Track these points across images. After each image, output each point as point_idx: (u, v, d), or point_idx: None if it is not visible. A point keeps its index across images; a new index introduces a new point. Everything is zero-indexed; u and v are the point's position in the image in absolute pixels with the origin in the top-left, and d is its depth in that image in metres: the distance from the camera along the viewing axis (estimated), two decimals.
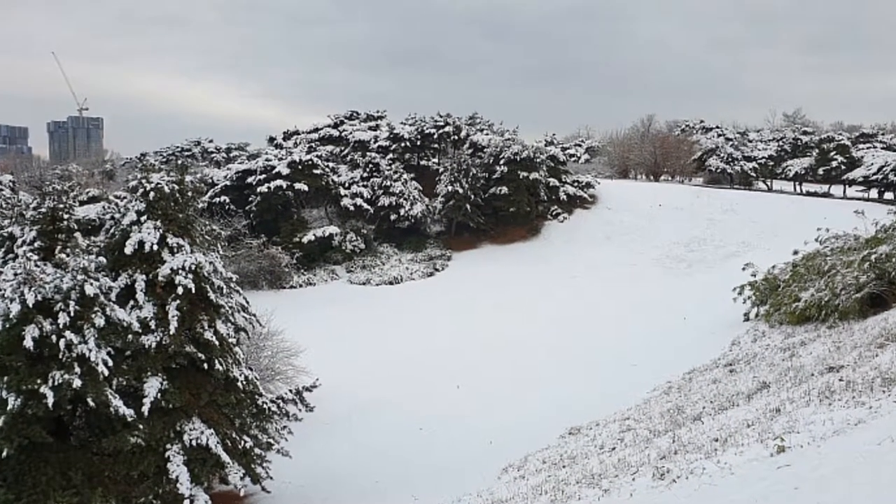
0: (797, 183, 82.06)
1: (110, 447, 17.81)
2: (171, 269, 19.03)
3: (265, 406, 22.02)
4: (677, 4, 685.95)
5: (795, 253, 33.88)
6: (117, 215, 20.48)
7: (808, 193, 76.32)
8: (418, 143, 71.98)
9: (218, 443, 19.43)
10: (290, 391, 25.12)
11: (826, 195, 74.30)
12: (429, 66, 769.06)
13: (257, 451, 21.43)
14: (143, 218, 19.66)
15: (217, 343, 19.81)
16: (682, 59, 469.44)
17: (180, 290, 18.87)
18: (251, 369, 22.35)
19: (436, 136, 71.53)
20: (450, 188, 63.54)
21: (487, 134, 73.28)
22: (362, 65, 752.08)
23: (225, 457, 19.45)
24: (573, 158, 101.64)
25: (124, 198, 23.20)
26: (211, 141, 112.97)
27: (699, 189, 75.98)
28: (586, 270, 54.45)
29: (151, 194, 19.79)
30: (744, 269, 35.53)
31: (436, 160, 74.40)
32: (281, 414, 23.17)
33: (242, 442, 20.73)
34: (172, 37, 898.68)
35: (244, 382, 20.85)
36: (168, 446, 18.71)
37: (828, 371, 17.88)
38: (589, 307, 44.45)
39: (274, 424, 23.42)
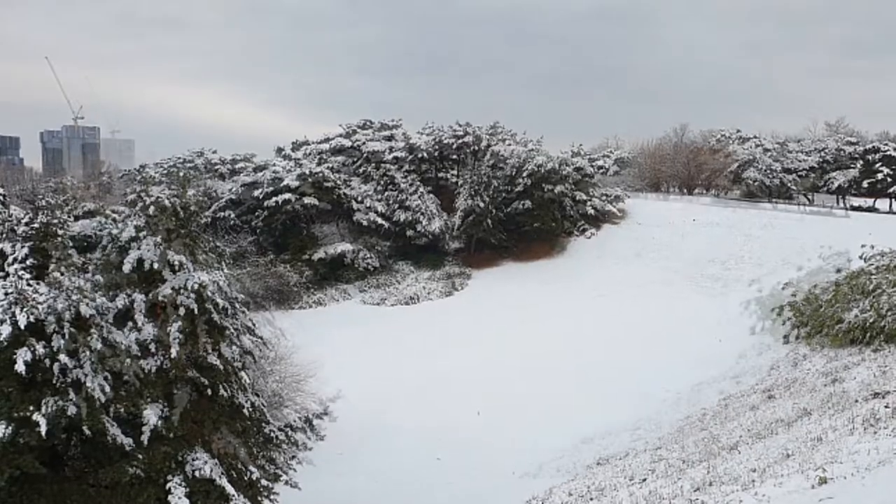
0: (840, 196, 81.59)
1: (108, 478, 17.78)
2: (173, 288, 19.05)
3: (273, 434, 22.00)
4: (708, 5, 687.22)
5: (838, 271, 33.67)
6: (115, 231, 20.48)
7: (853, 207, 75.88)
8: (436, 154, 72.21)
9: (222, 474, 19.39)
10: (300, 418, 25.06)
11: (871, 209, 73.86)
12: (446, 72, 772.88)
13: (264, 482, 21.37)
14: (143, 234, 19.67)
15: (221, 367, 19.78)
16: (716, 64, 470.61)
17: (182, 311, 18.85)
18: (258, 395, 22.32)
19: (455, 147, 71.75)
20: (469, 202, 63.59)
21: (510, 145, 73.08)
22: (375, 70, 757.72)
23: (230, 489, 19.39)
24: (601, 170, 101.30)
25: (122, 212, 23.36)
26: (215, 152, 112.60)
27: (736, 203, 75.73)
28: (615, 289, 54.22)
29: (151, 209, 19.80)
30: (783, 288, 35.36)
31: (454, 173, 74.44)
32: (289, 443, 23.10)
33: (248, 473, 20.70)
34: (172, 40, 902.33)
35: (250, 409, 20.83)
36: (169, 477, 18.63)
37: (873, 397, 17.74)
38: (618, 329, 44.20)
39: (282, 454, 23.38)
